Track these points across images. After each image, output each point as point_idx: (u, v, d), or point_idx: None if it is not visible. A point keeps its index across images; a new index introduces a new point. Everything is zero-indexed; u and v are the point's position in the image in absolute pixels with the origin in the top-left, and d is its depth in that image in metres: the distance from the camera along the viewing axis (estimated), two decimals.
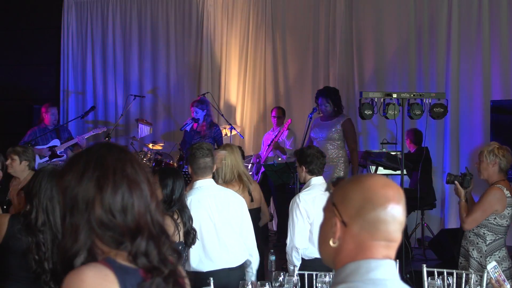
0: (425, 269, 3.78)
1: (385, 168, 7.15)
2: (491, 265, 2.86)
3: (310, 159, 4.31)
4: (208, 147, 3.99)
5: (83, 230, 1.44)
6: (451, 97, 7.60)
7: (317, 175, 4.36)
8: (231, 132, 8.15)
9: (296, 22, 8.87)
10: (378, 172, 7.25)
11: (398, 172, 6.59)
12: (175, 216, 3.65)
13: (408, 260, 5.97)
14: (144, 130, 8.58)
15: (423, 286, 3.63)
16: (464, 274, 3.77)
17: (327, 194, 4.31)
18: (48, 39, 10.22)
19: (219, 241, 3.84)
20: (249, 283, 3.14)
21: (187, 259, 3.82)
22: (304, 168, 4.34)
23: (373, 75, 8.38)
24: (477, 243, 4.12)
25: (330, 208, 1.42)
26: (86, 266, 1.42)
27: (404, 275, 5.31)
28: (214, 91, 9.15)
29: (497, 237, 4.10)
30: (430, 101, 5.94)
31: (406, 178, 7.07)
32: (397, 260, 4.10)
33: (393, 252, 1.40)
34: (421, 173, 6.83)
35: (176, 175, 3.79)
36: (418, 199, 6.35)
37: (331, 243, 1.38)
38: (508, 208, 4.08)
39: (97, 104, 9.71)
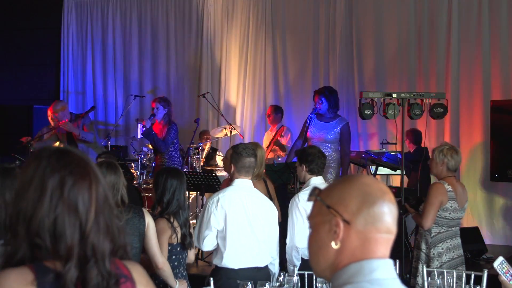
0: (425, 269, 3.79)
1: (385, 168, 7.15)
2: (498, 262, 2.81)
3: (311, 158, 4.33)
4: (253, 147, 4.01)
5: (26, 239, 1.45)
6: (451, 97, 7.60)
7: (317, 175, 4.37)
8: (231, 132, 8.14)
9: (296, 22, 8.87)
10: (378, 172, 7.25)
11: (398, 172, 6.59)
12: (171, 219, 3.65)
13: (408, 260, 5.97)
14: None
15: (423, 286, 3.63)
16: (464, 274, 3.77)
17: None
18: (48, 39, 10.22)
19: (253, 238, 3.85)
20: (249, 283, 3.14)
21: (185, 259, 3.81)
22: (304, 167, 4.35)
23: (373, 75, 8.38)
24: (425, 236, 4.38)
25: (325, 212, 1.41)
26: (12, 268, 1.43)
27: (404, 275, 5.31)
28: (214, 91, 9.15)
29: (442, 230, 4.34)
30: (430, 101, 5.94)
31: (405, 178, 7.07)
32: (397, 260, 4.12)
33: (390, 247, 1.42)
34: (420, 174, 6.83)
35: (169, 174, 3.76)
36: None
37: (333, 245, 1.38)
38: (450, 202, 4.31)
39: (97, 104, 9.71)
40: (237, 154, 3.90)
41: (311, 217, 1.47)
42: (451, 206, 4.31)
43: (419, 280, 3.63)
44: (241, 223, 3.84)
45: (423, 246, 4.36)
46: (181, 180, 3.76)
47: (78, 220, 1.46)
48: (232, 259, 3.80)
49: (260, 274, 3.77)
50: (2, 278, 1.41)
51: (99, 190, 1.51)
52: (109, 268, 1.49)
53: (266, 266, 3.94)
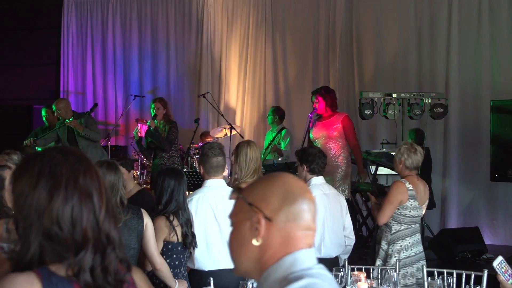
0: (425, 269, 3.79)
1: (385, 168, 7.15)
2: (497, 261, 2.82)
3: (311, 158, 4.33)
4: (219, 146, 3.98)
5: (35, 240, 1.43)
6: (451, 97, 7.61)
7: (317, 175, 4.37)
8: (231, 132, 8.14)
9: (296, 22, 8.87)
10: (378, 172, 7.25)
11: None
12: (171, 218, 3.63)
13: None
14: (144, 130, 8.56)
15: (423, 286, 3.63)
16: (464, 274, 3.78)
17: (327, 194, 4.32)
18: (48, 39, 10.22)
19: (223, 241, 3.82)
20: (249, 283, 3.13)
21: (187, 259, 3.80)
22: (305, 167, 4.35)
23: (373, 75, 8.38)
24: (385, 232, 4.45)
25: (246, 210, 1.43)
26: (18, 273, 1.41)
27: None
28: (214, 91, 9.16)
29: (402, 227, 4.39)
30: (430, 101, 5.94)
31: None
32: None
33: (312, 242, 1.45)
34: (420, 174, 6.82)
35: (168, 174, 3.73)
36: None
37: (254, 242, 1.40)
38: (410, 200, 4.36)
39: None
40: (204, 155, 3.88)
41: (232, 215, 1.48)
42: (411, 205, 4.37)
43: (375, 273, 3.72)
44: (210, 225, 3.82)
45: (383, 242, 4.42)
46: (180, 180, 3.73)
47: (93, 207, 1.47)
48: (202, 261, 3.80)
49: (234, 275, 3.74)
50: (8, 283, 1.39)
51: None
52: (124, 256, 1.51)
53: None
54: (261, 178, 1.49)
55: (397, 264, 3.99)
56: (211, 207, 3.81)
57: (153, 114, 6.88)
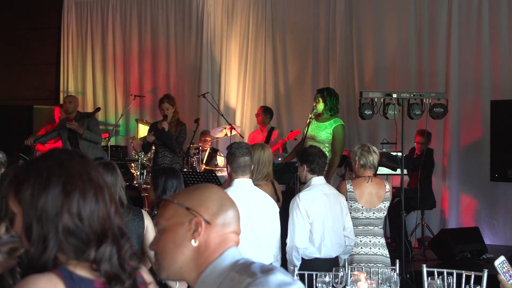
0: (425, 269, 3.79)
1: (385, 168, 7.14)
2: (499, 261, 2.81)
3: (312, 157, 4.34)
4: (247, 145, 4.00)
5: (52, 239, 1.42)
6: (451, 97, 7.60)
7: (318, 175, 4.38)
8: (231, 132, 8.14)
9: (296, 22, 8.87)
10: (378, 172, 7.23)
11: (398, 172, 6.58)
12: None
13: (408, 260, 5.98)
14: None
15: (423, 286, 3.63)
16: (464, 274, 3.78)
17: (327, 194, 4.32)
18: (48, 39, 10.23)
19: (254, 239, 3.85)
20: None
21: None
22: (305, 166, 4.36)
23: (373, 75, 8.38)
24: None
25: (183, 214, 1.58)
26: (38, 275, 1.40)
27: (404, 275, 5.31)
28: (214, 91, 9.16)
29: (358, 229, 4.50)
30: (430, 101, 5.94)
31: (405, 178, 7.07)
32: (397, 260, 4.12)
33: (238, 241, 1.70)
34: (421, 175, 6.83)
35: (168, 173, 3.73)
36: (418, 199, 6.35)
37: (192, 243, 1.56)
38: (349, 202, 4.48)
39: (97, 104, 9.70)
40: (231, 155, 3.91)
41: (163, 219, 1.60)
42: (351, 206, 4.46)
43: None
44: (242, 223, 3.82)
45: None
46: (181, 180, 3.75)
47: (105, 200, 1.50)
48: None
49: None
50: (31, 285, 1.38)
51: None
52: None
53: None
54: (193, 187, 1.66)
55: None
56: (244, 205, 3.81)
57: (166, 114, 6.74)
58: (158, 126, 6.70)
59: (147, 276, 1.65)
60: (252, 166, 4.07)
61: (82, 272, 1.44)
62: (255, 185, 4.26)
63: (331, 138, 6.23)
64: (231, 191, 3.84)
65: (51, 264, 1.42)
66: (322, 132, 6.26)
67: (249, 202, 3.85)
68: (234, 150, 3.91)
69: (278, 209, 4.08)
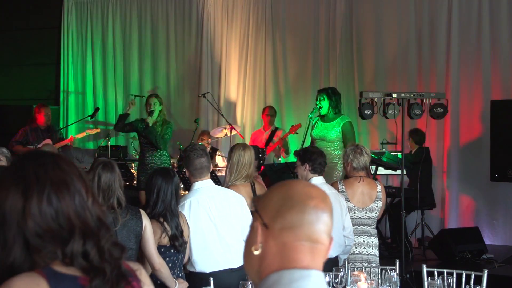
0: (425, 269, 3.79)
1: (385, 168, 7.15)
2: None
3: (314, 157, 4.36)
4: (201, 147, 3.96)
5: (16, 244, 1.41)
6: (451, 97, 7.60)
7: (318, 174, 4.39)
8: (231, 132, 8.13)
9: (296, 22, 8.87)
10: (378, 172, 7.25)
11: (398, 172, 6.59)
12: (161, 220, 3.58)
13: (408, 260, 5.98)
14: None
15: (423, 286, 3.63)
16: (464, 274, 3.77)
17: (327, 194, 4.32)
18: (48, 39, 10.22)
19: (221, 241, 3.82)
20: (249, 283, 3.12)
21: (182, 261, 3.77)
22: (307, 166, 4.36)
23: (373, 75, 8.38)
24: None
25: (254, 216, 1.34)
26: (18, 276, 1.39)
27: (404, 275, 5.31)
28: (214, 91, 9.15)
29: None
30: (430, 101, 5.94)
31: (405, 178, 7.07)
32: (397, 260, 4.11)
33: (319, 258, 1.28)
34: (420, 174, 6.82)
35: (155, 175, 3.65)
36: (418, 199, 6.35)
37: (253, 250, 1.29)
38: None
39: (97, 104, 9.71)
40: (186, 158, 3.86)
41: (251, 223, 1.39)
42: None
43: None
44: (206, 226, 3.79)
45: None
46: (168, 180, 3.63)
47: (73, 194, 1.47)
48: (203, 264, 3.78)
49: (235, 275, 3.72)
50: (13, 285, 1.36)
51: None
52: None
53: (242, 267, 3.89)
54: (276, 184, 1.38)
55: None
56: (204, 209, 3.80)
57: (152, 110, 6.70)
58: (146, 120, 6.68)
59: (144, 278, 1.62)
60: (211, 167, 4.00)
61: (66, 270, 1.42)
62: (230, 185, 4.24)
63: (341, 136, 6.26)
64: (189, 197, 3.82)
65: (26, 267, 1.41)
66: (331, 132, 6.27)
67: (210, 205, 3.81)
68: (188, 153, 3.86)
69: (245, 203, 3.95)
